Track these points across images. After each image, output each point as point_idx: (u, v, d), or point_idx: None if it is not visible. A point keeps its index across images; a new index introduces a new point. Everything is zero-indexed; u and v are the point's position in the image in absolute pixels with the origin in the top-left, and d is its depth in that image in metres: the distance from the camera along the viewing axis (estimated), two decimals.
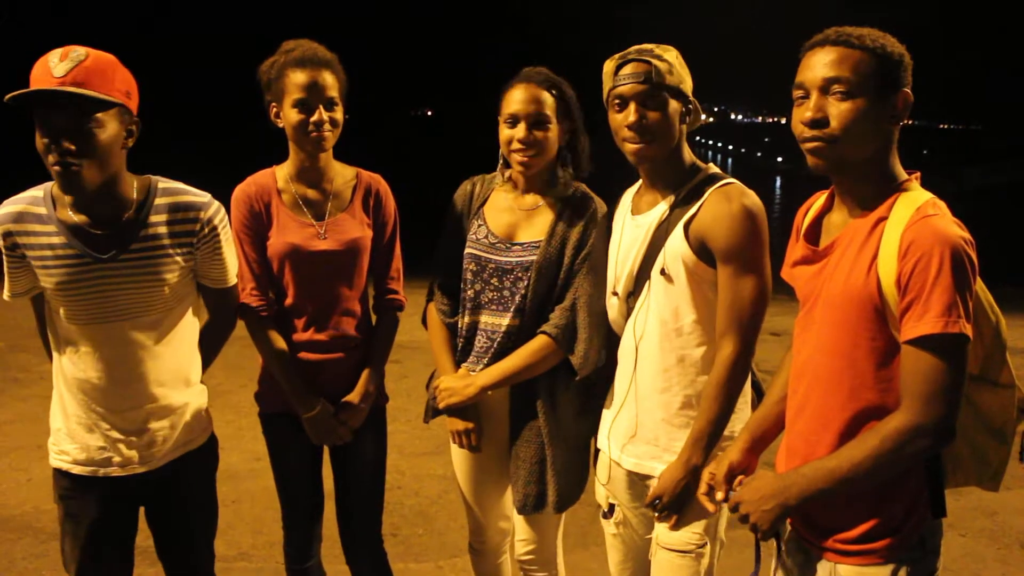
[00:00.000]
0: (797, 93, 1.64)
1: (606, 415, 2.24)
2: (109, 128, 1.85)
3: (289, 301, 2.34)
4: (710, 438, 1.98)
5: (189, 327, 2.14)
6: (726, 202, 1.96)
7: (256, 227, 2.32)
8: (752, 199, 1.98)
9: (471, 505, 2.53)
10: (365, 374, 2.39)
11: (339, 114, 2.29)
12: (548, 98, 2.25)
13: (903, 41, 1.62)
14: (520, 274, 2.30)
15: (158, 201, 2.00)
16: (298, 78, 2.22)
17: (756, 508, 1.66)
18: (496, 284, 2.33)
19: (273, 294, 2.35)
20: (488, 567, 2.60)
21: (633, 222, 2.13)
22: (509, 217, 2.36)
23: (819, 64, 1.59)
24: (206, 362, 2.25)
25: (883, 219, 1.57)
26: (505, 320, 2.32)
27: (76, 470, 2.05)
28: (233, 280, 2.20)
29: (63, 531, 2.11)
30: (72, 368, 2.01)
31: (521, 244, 2.32)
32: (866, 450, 1.54)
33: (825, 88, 1.58)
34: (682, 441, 2.03)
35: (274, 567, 3.39)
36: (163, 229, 1.99)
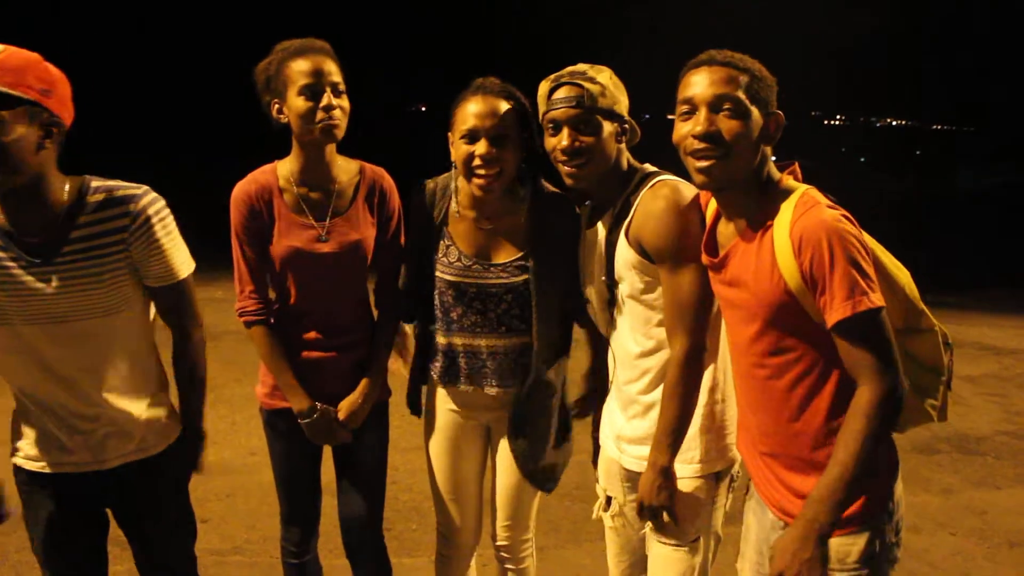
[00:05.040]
0: (683, 108, 1.76)
1: (604, 414, 2.27)
2: (15, 129, 1.72)
3: (291, 301, 2.32)
4: (671, 437, 1.97)
5: (140, 333, 2.04)
6: (652, 201, 1.98)
7: (256, 228, 2.26)
8: (677, 193, 1.96)
9: (449, 506, 2.48)
10: (367, 378, 2.35)
11: (346, 102, 2.21)
12: (507, 110, 2.15)
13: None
14: (505, 296, 2.25)
15: (90, 199, 1.88)
16: (301, 66, 2.16)
17: (796, 563, 1.65)
18: (479, 307, 2.26)
19: (275, 293, 2.33)
20: (457, 574, 2.56)
21: (586, 237, 2.18)
22: (479, 237, 2.27)
23: (708, 82, 1.72)
24: (191, 394, 2.12)
25: (770, 225, 1.70)
26: (503, 341, 2.28)
27: (30, 466, 2.03)
28: (182, 275, 2.02)
29: (27, 529, 2.08)
30: (11, 372, 1.96)
31: (500, 265, 2.25)
32: (857, 437, 1.61)
33: (715, 105, 1.70)
34: None
35: (268, 561, 3.40)
36: (95, 228, 1.88)
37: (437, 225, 2.30)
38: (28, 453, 2.03)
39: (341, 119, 2.20)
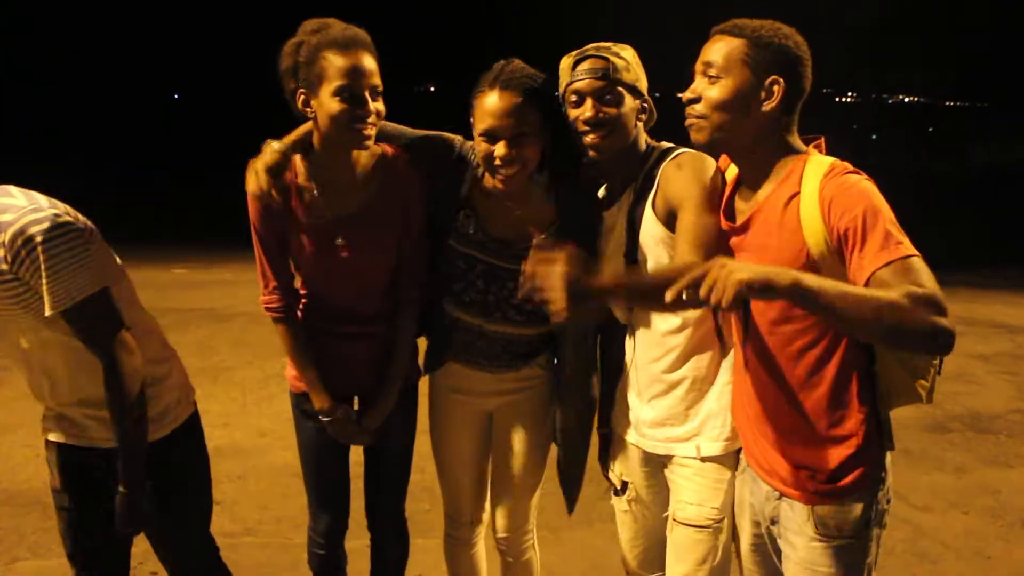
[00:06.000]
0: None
1: (618, 401, 2.25)
2: None
3: (314, 294, 2.26)
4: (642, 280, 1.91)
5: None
6: (677, 168, 1.99)
7: (274, 224, 2.15)
8: (698, 158, 1.98)
9: (451, 487, 2.49)
10: (386, 384, 2.31)
11: (382, 105, 2.06)
12: (528, 106, 2.04)
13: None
14: (508, 283, 2.21)
15: None
16: (340, 62, 1.98)
17: (727, 277, 1.43)
18: (482, 286, 2.24)
19: (299, 284, 2.26)
20: (465, 555, 2.57)
21: (607, 215, 2.16)
22: (501, 218, 2.22)
23: (704, 50, 1.78)
24: (118, 416, 1.91)
25: (796, 194, 1.70)
26: (494, 326, 2.26)
27: (52, 437, 2.07)
28: (55, 308, 1.79)
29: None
30: (16, 363, 2.01)
31: (516, 247, 2.20)
32: (879, 298, 1.48)
33: (704, 71, 1.77)
34: (695, 421, 2.06)
35: (280, 542, 3.42)
36: None
37: (458, 192, 2.23)
38: (48, 425, 2.06)
39: (375, 125, 2.06)
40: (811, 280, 1.46)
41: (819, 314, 1.55)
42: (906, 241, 1.59)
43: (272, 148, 2.13)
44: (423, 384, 2.48)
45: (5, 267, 1.77)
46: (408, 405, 2.42)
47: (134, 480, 1.95)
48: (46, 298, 1.78)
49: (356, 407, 2.36)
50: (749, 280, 1.41)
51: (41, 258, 1.75)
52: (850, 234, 1.61)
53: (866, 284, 1.58)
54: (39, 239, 1.75)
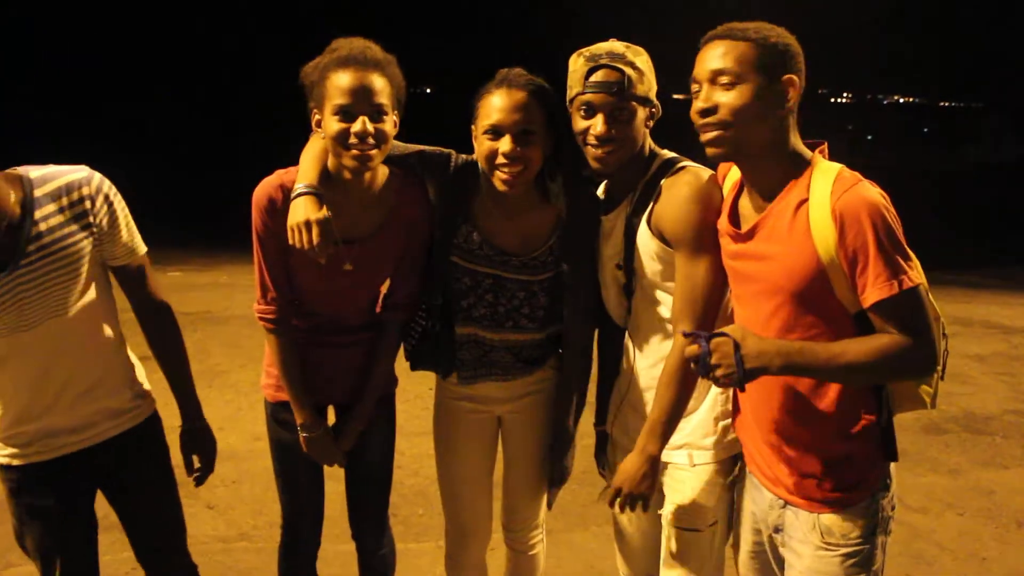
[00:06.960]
0: (693, 88, 1.76)
1: (614, 405, 2.25)
2: None
3: (302, 303, 2.22)
4: (665, 426, 1.95)
5: (104, 308, 2.01)
6: (673, 189, 1.96)
7: (276, 235, 2.06)
8: (699, 180, 1.94)
9: (459, 504, 2.44)
10: (369, 387, 2.28)
11: (388, 125, 1.98)
12: (534, 106, 2.01)
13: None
14: (517, 293, 2.20)
15: (38, 193, 1.79)
16: (341, 81, 1.93)
17: (728, 359, 1.66)
18: (491, 300, 2.21)
19: (294, 296, 2.21)
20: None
21: (605, 220, 2.14)
22: (504, 228, 2.18)
23: (707, 58, 1.72)
24: (173, 362, 2.14)
25: (804, 201, 1.68)
26: (506, 336, 2.25)
27: (17, 462, 1.99)
28: (143, 248, 2.02)
29: (18, 526, 2.05)
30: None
31: (523, 259, 2.18)
32: (867, 352, 1.64)
33: (713, 79, 1.71)
34: (687, 429, 2.05)
35: (275, 547, 3.36)
36: (56, 220, 1.80)
37: (460, 206, 2.17)
38: (10, 450, 1.99)
39: (377, 146, 1.97)
40: (798, 356, 1.64)
41: (812, 377, 1.73)
42: (910, 270, 1.61)
43: (311, 203, 1.99)
44: (423, 387, 2.47)
45: (90, 220, 1.88)
46: (387, 411, 2.42)
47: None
48: (135, 240, 2.00)
49: (332, 416, 2.36)
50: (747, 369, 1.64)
51: (120, 205, 1.95)
52: (859, 254, 1.61)
53: (869, 309, 1.64)
54: (115, 189, 1.94)
